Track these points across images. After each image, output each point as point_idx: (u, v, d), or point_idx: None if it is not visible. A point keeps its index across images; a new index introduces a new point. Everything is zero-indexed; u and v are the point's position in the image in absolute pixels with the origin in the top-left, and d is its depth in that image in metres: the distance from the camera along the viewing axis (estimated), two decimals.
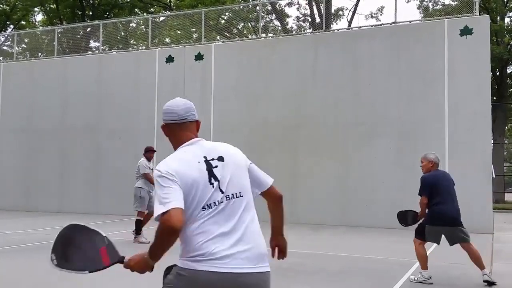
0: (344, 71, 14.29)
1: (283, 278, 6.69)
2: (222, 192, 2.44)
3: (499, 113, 25.92)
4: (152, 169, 10.47)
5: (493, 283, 6.48)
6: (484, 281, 6.52)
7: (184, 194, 2.36)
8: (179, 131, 2.63)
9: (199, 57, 16.02)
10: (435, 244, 10.10)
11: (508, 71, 28.63)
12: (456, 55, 13.12)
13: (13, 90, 18.79)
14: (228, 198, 2.44)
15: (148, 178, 10.48)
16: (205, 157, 2.50)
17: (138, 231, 10.02)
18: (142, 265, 2.75)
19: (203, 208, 2.39)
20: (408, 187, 13.25)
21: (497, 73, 27.40)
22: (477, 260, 6.61)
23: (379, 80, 13.88)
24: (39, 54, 23.70)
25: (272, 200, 2.88)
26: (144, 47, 21.68)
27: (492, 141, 13.91)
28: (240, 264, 2.35)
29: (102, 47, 20.06)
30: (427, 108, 13.27)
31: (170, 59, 16.41)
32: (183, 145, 2.61)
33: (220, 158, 2.52)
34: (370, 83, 13.95)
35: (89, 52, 23.91)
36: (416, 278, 6.64)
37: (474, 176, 12.58)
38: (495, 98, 26.26)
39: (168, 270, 2.66)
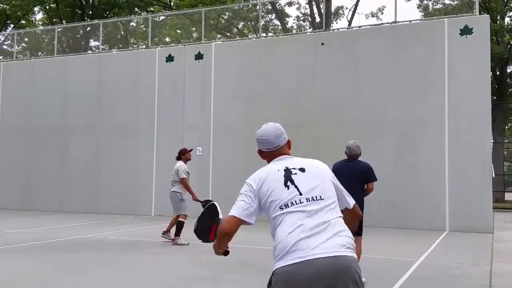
0: (344, 70, 14.28)
1: None
2: (301, 194, 2.65)
3: (499, 113, 25.91)
4: (189, 173, 10.46)
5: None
6: None
7: (260, 198, 2.76)
8: (274, 154, 3.07)
9: (199, 56, 16.02)
10: (434, 244, 10.16)
11: (508, 70, 28.62)
12: (456, 54, 13.11)
13: (13, 90, 18.78)
14: (308, 200, 2.64)
15: (184, 183, 10.20)
16: (286, 167, 2.85)
17: (178, 232, 9.90)
18: (217, 249, 3.10)
19: (280, 207, 2.64)
20: (408, 187, 13.27)
21: (497, 73, 27.39)
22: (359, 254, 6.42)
23: (379, 80, 13.87)
24: (39, 53, 23.69)
25: (352, 217, 3.05)
26: (144, 47, 21.66)
27: (492, 141, 13.89)
28: (321, 255, 2.46)
29: (102, 47, 20.05)
30: (427, 108, 13.27)
31: (170, 59, 16.41)
32: (273, 160, 3.02)
33: (302, 169, 2.82)
34: (370, 82, 13.94)
35: (89, 52, 23.94)
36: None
37: (474, 175, 12.60)
38: (495, 97, 26.26)
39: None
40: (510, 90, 29.50)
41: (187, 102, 16.05)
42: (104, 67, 17.40)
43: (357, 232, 6.37)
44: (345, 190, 3.05)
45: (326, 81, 14.45)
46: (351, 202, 3.02)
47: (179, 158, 10.46)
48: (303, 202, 2.61)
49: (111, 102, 17.08)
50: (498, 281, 6.64)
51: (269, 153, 3.06)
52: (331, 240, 2.51)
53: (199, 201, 9.47)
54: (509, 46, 26.53)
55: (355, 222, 3.11)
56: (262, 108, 15.03)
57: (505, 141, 31.56)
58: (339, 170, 6.73)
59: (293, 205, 2.60)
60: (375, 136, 13.69)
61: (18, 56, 23.68)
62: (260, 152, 3.12)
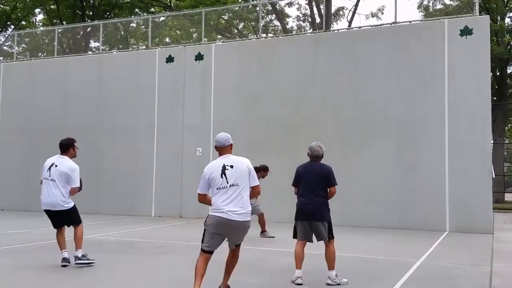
0: (344, 71, 14.29)
1: (283, 278, 6.69)
2: (227, 182, 5.32)
3: (499, 113, 25.91)
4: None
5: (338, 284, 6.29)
6: (327, 283, 6.31)
7: (209, 182, 5.39)
8: (221, 150, 5.66)
9: (199, 57, 16.03)
10: (434, 245, 10.15)
11: (508, 71, 28.61)
12: (456, 55, 13.12)
13: (13, 90, 18.79)
14: (230, 186, 5.31)
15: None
16: (223, 164, 5.44)
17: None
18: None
19: (217, 188, 5.33)
20: (408, 187, 13.27)
21: (497, 73, 27.39)
22: (328, 259, 6.42)
23: (379, 80, 13.88)
24: (39, 54, 23.71)
25: (252, 193, 5.53)
26: (144, 47, 21.67)
27: (492, 141, 13.88)
28: (230, 216, 5.24)
29: (102, 47, 20.06)
30: (427, 108, 13.27)
31: (170, 59, 16.42)
32: (219, 157, 5.58)
33: (231, 166, 5.43)
34: (370, 83, 13.95)
35: (89, 52, 23.94)
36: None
37: (474, 176, 12.60)
38: (495, 98, 26.26)
39: (206, 219, 5.43)
40: (510, 90, 29.49)
41: (187, 103, 16.05)
42: (104, 67, 17.43)
43: (328, 236, 6.45)
44: (254, 174, 5.53)
45: (326, 82, 14.46)
46: (253, 183, 5.48)
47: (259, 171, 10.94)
48: (226, 187, 5.30)
49: (111, 103, 17.10)
50: (498, 282, 6.64)
51: (219, 149, 5.66)
52: (234, 210, 5.24)
53: None
54: (509, 46, 26.52)
55: (253, 196, 5.60)
56: (262, 109, 15.07)
57: (505, 141, 31.56)
58: (300, 173, 6.84)
59: (223, 188, 5.31)
60: (375, 137, 13.70)
61: (19, 57, 23.69)
62: (216, 147, 5.71)
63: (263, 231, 11.34)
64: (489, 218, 12.47)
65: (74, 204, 7.87)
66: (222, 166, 5.34)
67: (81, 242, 7.57)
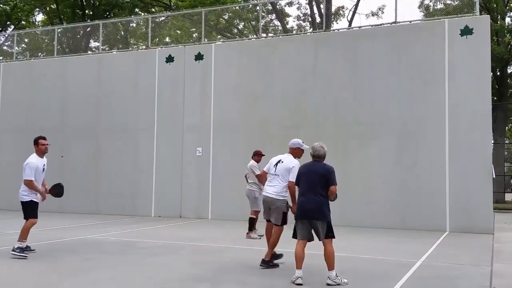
0: (344, 71, 14.27)
1: (283, 278, 6.68)
2: (275, 171, 7.50)
3: (499, 113, 25.88)
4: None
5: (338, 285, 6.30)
6: (327, 284, 6.31)
7: (269, 166, 7.70)
8: (289, 150, 7.68)
9: (199, 57, 16.01)
10: (434, 245, 10.14)
11: (509, 71, 28.59)
12: (456, 55, 13.10)
13: (12, 90, 18.76)
14: (276, 175, 7.48)
15: (260, 178, 10.10)
16: (279, 159, 7.58)
17: (251, 227, 10.83)
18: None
19: (270, 174, 7.62)
20: (408, 187, 13.25)
21: (498, 73, 27.37)
22: (327, 259, 6.42)
23: (379, 80, 13.86)
24: (39, 54, 23.70)
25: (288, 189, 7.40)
26: (144, 47, 21.65)
27: (492, 141, 13.86)
28: (266, 193, 7.62)
29: (102, 47, 20.04)
30: (427, 108, 13.26)
31: (170, 59, 16.40)
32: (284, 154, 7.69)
33: (281, 161, 7.51)
34: (370, 83, 13.93)
35: (89, 52, 23.93)
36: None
37: (474, 176, 12.58)
38: (495, 98, 26.24)
39: None
40: (510, 90, 29.47)
41: (187, 103, 16.04)
42: (104, 67, 17.40)
43: (326, 234, 6.46)
44: (294, 172, 7.15)
45: (326, 81, 14.44)
46: (290, 178, 7.24)
47: (253, 156, 11.22)
48: (273, 174, 7.48)
49: (111, 103, 17.07)
50: (498, 282, 6.63)
51: (289, 149, 7.69)
52: (270, 191, 7.51)
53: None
54: (509, 46, 26.50)
55: (289, 190, 7.30)
56: (262, 109, 15.05)
57: (506, 141, 31.54)
58: (302, 172, 6.84)
59: (272, 175, 7.53)
60: (375, 136, 13.68)
61: (18, 56, 23.70)
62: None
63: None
64: (490, 218, 12.45)
65: (31, 200, 8.46)
66: (278, 160, 7.51)
67: (23, 235, 8.29)
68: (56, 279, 6.57)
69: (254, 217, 10.86)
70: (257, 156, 11.19)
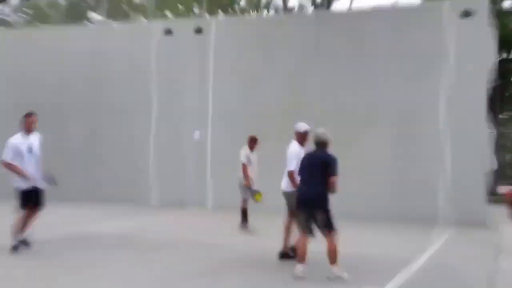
0: (345, 50, 13.93)
1: (284, 272, 6.59)
2: None
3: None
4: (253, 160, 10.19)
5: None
6: (327, 277, 6.22)
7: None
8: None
9: (198, 30, 15.57)
10: (437, 240, 9.86)
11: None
12: (456, 37, 12.85)
13: (5, 61, 17.59)
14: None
15: (243, 169, 10.13)
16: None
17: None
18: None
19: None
20: (407, 174, 13.06)
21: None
22: (329, 254, 6.28)
23: (379, 62, 13.62)
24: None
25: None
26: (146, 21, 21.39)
27: (494, 131, 13.69)
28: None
29: (102, 20, 19.68)
30: (426, 92, 13.06)
31: (169, 32, 15.91)
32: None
33: None
34: (371, 65, 13.68)
35: (87, 23, 23.60)
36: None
37: (471, 166, 12.40)
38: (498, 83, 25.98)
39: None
40: None
41: (187, 83, 15.54)
42: (102, 40, 16.71)
43: (326, 226, 6.28)
44: (290, 159, 7.22)
45: (327, 62, 14.15)
46: (288, 167, 7.25)
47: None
48: None
49: (108, 78, 16.45)
50: (502, 277, 6.60)
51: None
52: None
53: (249, 188, 9.96)
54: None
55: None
56: (262, 89, 14.68)
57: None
58: (304, 160, 6.70)
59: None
60: (375, 121, 13.49)
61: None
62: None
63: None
64: (492, 212, 12.28)
65: (16, 186, 7.67)
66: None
67: (14, 229, 7.73)
68: (55, 274, 6.46)
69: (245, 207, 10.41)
70: (252, 142, 10.31)
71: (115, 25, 19.41)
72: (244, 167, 10.11)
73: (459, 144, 12.60)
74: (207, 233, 10.38)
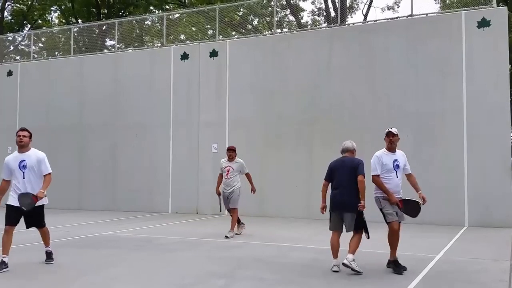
0: (360, 65, 14.18)
1: (300, 274, 6.69)
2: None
3: None
4: (226, 168, 10.59)
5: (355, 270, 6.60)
6: (343, 263, 6.64)
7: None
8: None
9: (213, 53, 16.05)
10: (453, 239, 10.06)
11: None
12: (473, 47, 12.94)
13: (30, 90, 19.00)
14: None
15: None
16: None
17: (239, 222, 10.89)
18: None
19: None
20: (425, 181, 13.12)
21: None
22: (351, 244, 6.73)
23: (395, 73, 13.76)
24: (56, 53, 23.93)
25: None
26: (159, 45, 21.76)
27: (511, 134, 13.72)
28: None
29: (117, 45, 20.18)
30: (445, 102, 13.13)
31: (185, 56, 16.47)
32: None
33: None
34: (387, 77, 13.84)
35: (105, 51, 24.09)
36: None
37: (493, 169, 12.44)
38: None
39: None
40: None
41: (202, 99, 16.10)
42: (119, 65, 17.55)
43: (356, 227, 6.84)
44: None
45: (341, 76, 14.38)
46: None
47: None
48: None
49: (127, 100, 17.22)
50: None
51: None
52: None
53: (218, 195, 10.66)
54: None
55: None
56: (277, 104, 15.05)
57: None
58: (333, 168, 7.16)
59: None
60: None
61: (35, 56, 23.94)
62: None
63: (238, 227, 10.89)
64: (509, 212, 12.30)
65: (6, 204, 7.08)
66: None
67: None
68: (73, 275, 6.65)
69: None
70: (227, 151, 10.82)
71: (131, 50, 19.93)
72: (219, 176, 10.76)
73: (482, 149, 12.56)
74: (224, 236, 10.49)
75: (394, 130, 7.25)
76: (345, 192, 6.85)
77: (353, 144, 7.33)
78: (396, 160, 7.10)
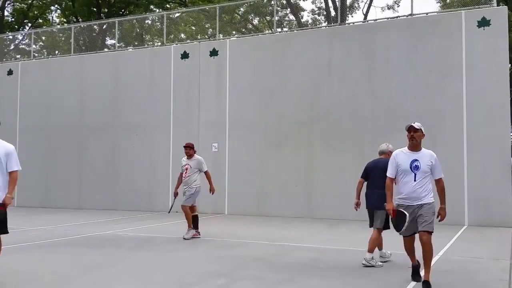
0: (360, 65, 14.19)
1: (301, 274, 6.70)
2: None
3: None
4: (185, 167, 10.33)
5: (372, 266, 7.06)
6: (362, 263, 7.10)
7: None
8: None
9: (214, 53, 16.04)
10: (453, 239, 10.07)
11: None
12: (474, 47, 12.94)
13: (31, 89, 18.98)
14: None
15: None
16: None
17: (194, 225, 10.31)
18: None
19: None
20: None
21: None
22: (370, 242, 7.20)
23: (395, 73, 13.76)
24: (56, 52, 23.93)
25: None
26: (159, 44, 21.76)
27: (511, 134, 13.75)
28: None
29: (118, 44, 20.18)
30: (445, 102, 13.14)
31: (185, 56, 16.47)
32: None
33: None
34: (387, 76, 13.85)
35: (105, 50, 24.10)
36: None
37: (492, 169, 12.45)
38: None
39: None
40: None
41: (203, 99, 16.10)
42: (120, 65, 17.54)
43: (380, 224, 7.29)
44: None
45: (341, 76, 14.38)
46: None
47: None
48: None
49: (127, 100, 17.22)
50: None
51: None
52: None
53: (175, 195, 10.35)
54: None
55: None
56: (278, 104, 15.05)
57: None
58: (368, 168, 7.65)
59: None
60: (392, 130, 13.57)
61: (36, 55, 23.94)
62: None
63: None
64: (509, 211, 12.32)
65: None
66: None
67: None
68: (75, 274, 6.67)
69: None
70: (184, 148, 10.53)
71: (131, 50, 19.92)
72: (179, 175, 10.52)
73: (482, 149, 12.57)
74: (224, 235, 10.59)
75: (416, 124, 6.27)
76: (377, 192, 7.18)
77: (388, 146, 7.67)
78: (416, 160, 6.11)
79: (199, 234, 10.33)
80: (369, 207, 7.42)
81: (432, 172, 6.19)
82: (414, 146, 6.24)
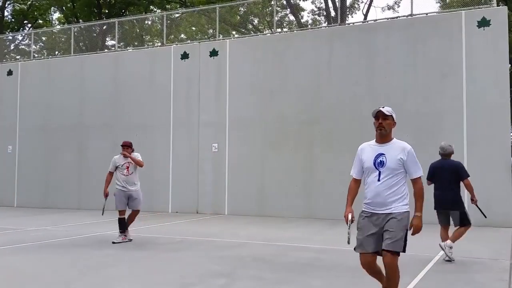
0: (360, 65, 14.19)
1: (301, 274, 6.70)
2: None
3: None
4: (125, 165, 9.96)
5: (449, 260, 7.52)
6: (439, 243, 7.72)
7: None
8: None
9: (214, 53, 16.05)
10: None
11: None
12: (473, 47, 12.95)
13: (31, 89, 18.98)
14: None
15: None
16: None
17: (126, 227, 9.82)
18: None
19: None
20: (424, 181, 13.11)
21: None
22: (455, 233, 7.74)
23: (395, 73, 13.77)
24: (56, 52, 23.93)
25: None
26: (159, 44, 21.78)
27: (511, 134, 13.76)
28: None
29: (118, 45, 20.19)
30: (445, 102, 13.14)
31: (185, 56, 16.48)
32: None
33: None
34: (387, 76, 13.85)
35: (105, 50, 24.11)
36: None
37: (493, 169, 12.45)
38: None
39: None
40: None
41: (203, 99, 16.11)
42: (120, 65, 17.55)
43: (461, 222, 7.85)
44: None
45: (341, 76, 14.39)
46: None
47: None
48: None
49: (127, 100, 17.23)
50: None
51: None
52: None
53: (105, 196, 9.85)
54: None
55: None
56: (278, 104, 15.06)
57: None
58: (435, 170, 7.97)
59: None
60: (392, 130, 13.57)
61: (36, 55, 23.94)
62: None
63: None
64: (509, 211, 12.32)
65: None
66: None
67: None
68: (75, 275, 6.67)
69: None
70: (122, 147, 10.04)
71: (131, 50, 19.95)
72: (107, 175, 10.13)
73: (482, 149, 12.57)
74: (224, 236, 10.59)
75: (386, 109, 4.98)
76: (448, 193, 7.77)
77: (452, 147, 8.19)
78: (381, 154, 4.74)
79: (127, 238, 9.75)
80: (440, 208, 7.88)
81: (407, 170, 4.70)
82: (382, 137, 4.90)
